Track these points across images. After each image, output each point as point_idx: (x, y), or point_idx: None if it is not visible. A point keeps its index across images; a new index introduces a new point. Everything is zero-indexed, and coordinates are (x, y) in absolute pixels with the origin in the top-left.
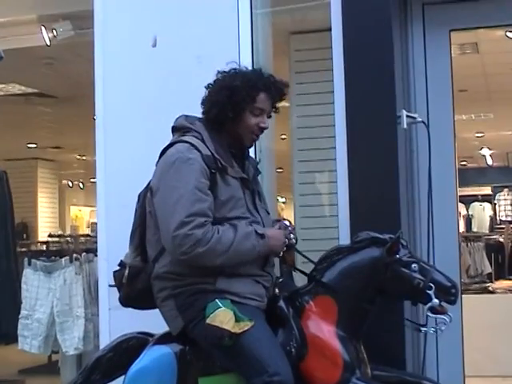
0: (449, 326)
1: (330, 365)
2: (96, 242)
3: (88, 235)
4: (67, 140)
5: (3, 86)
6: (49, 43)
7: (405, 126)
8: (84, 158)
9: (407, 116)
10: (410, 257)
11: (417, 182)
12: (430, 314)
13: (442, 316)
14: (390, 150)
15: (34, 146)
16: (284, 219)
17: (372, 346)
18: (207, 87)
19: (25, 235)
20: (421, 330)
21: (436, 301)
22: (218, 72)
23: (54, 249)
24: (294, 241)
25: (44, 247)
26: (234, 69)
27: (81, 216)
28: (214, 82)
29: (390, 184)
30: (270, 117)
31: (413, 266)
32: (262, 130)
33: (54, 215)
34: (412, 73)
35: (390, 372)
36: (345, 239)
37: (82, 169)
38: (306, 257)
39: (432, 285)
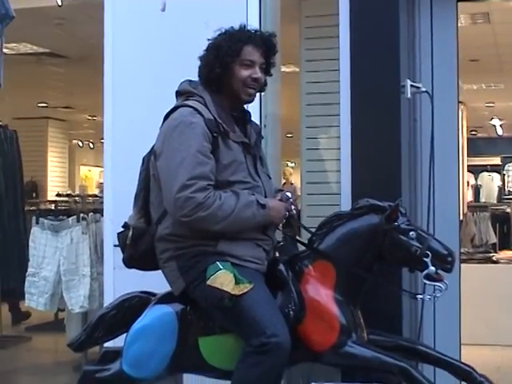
0: (446, 293)
1: (327, 328)
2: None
3: (96, 195)
4: (78, 100)
5: (14, 45)
6: (60, 3)
7: (409, 95)
8: (94, 118)
9: (411, 85)
10: (409, 224)
11: (419, 151)
12: (426, 281)
13: (438, 283)
14: (393, 118)
15: (45, 105)
16: (284, 190)
17: (369, 311)
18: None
19: (34, 194)
20: (417, 298)
21: (432, 268)
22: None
23: (62, 208)
24: (294, 212)
25: (52, 206)
26: (223, 30)
27: (90, 176)
28: (208, 44)
29: (392, 152)
30: (269, 74)
31: (410, 233)
32: (255, 80)
33: (63, 175)
34: (418, 42)
35: (386, 337)
36: (347, 206)
37: (92, 129)
38: (306, 228)
39: (429, 252)
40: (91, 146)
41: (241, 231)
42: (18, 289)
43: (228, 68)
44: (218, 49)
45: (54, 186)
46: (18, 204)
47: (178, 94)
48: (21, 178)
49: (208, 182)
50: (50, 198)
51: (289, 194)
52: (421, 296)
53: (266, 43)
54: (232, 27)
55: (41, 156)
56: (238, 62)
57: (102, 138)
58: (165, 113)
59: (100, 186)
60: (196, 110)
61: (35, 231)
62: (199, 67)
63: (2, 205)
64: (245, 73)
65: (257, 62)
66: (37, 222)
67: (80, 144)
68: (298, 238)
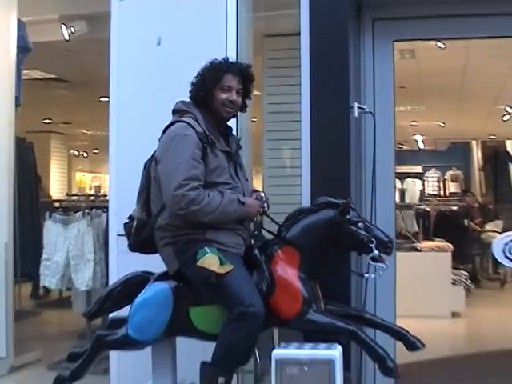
0: (385, 272)
1: (292, 299)
2: (102, 201)
3: (96, 195)
4: (76, 117)
5: (27, 71)
6: (67, 38)
7: (356, 114)
8: (89, 132)
9: (358, 107)
10: (358, 217)
11: (364, 160)
12: (371, 262)
13: (381, 264)
14: (344, 134)
15: (49, 121)
16: (259, 191)
17: (325, 286)
18: None
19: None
20: (363, 276)
21: (376, 252)
22: None
23: (66, 205)
24: (266, 208)
25: (57, 204)
26: (210, 61)
27: (84, 180)
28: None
29: (343, 161)
30: (248, 98)
31: (359, 224)
32: (231, 102)
33: (63, 179)
34: (363, 73)
35: (338, 306)
36: (306, 203)
37: (87, 141)
38: (274, 221)
39: (373, 239)
40: (85, 155)
41: (224, 223)
42: (34, 271)
43: (210, 92)
44: (203, 76)
45: (56, 188)
46: (34, 203)
47: (174, 111)
48: (36, 181)
49: (199, 183)
50: (55, 198)
51: (262, 195)
52: (367, 274)
53: (242, 72)
54: (216, 59)
55: (45, 163)
56: (219, 88)
57: (95, 149)
58: (163, 126)
59: (94, 188)
60: (189, 124)
61: (48, 224)
62: (190, 91)
63: (21, 203)
64: (223, 96)
65: (234, 87)
66: (49, 217)
67: (76, 154)
68: (269, 230)
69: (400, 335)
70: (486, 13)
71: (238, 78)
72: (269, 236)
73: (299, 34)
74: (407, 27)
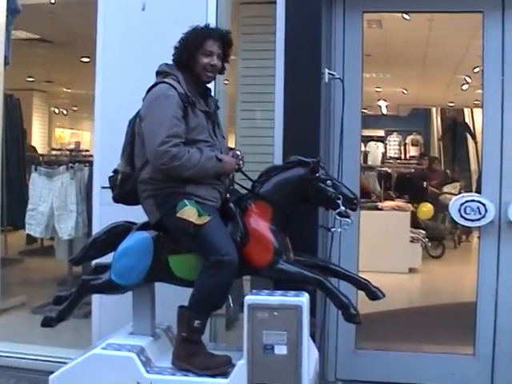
0: (349, 227)
1: (264, 250)
2: (84, 156)
3: (78, 150)
4: (58, 76)
5: (14, 31)
6: (53, 1)
7: (326, 80)
8: (69, 90)
9: (328, 73)
10: (326, 175)
11: (333, 123)
12: (337, 217)
13: (347, 219)
14: (315, 98)
15: (32, 79)
16: (235, 149)
17: (295, 238)
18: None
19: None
20: (330, 230)
21: (343, 208)
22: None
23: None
24: (242, 166)
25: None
26: (192, 26)
27: (63, 136)
28: (180, 38)
29: (314, 123)
30: (226, 62)
31: (327, 182)
32: (212, 66)
33: (43, 135)
34: (334, 41)
35: (306, 258)
36: (278, 162)
37: (67, 99)
38: (248, 177)
39: (340, 196)
40: (65, 112)
41: (203, 178)
42: (19, 220)
43: (192, 56)
44: (186, 41)
45: (37, 143)
46: (21, 156)
47: (158, 73)
48: (23, 136)
49: (180, 140)
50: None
51: (238, 153)
52: (334, 229)
53: (222, 38)
54: (198, 25)
55: (27, 120)
56: (201, 52)
57: (75, 106)
58: (147, 87)
59: (75, 144)
60: (172, 86)
61: (34, 177)
62: (173, 54)
63: (8, 157)
64: (205, 60)
65: (215, 52)
66: (35, 170)
67: (56, 111)
68: (242, 185)
69: (362, 285)
70: None
71: (218, 44)
72: (243, 191)
73: (274, 2)
74: (376, 0)
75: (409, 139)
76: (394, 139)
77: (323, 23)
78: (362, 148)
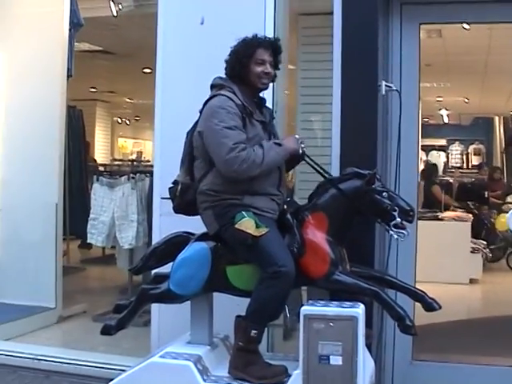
0: (407, 239)
1: (321, 261)
2: (145, 166)
3: (139, 160)
4: (120, 86)
5: (77, 44)
6: (115, 14)
7: (383, 92)
8: (132, 100)
9: (385, 85)
10: (382, 187)
11: (390, 134)
12: (393, 229)
13: (403, 231)
14: (372, 110)
15: (95, 90)
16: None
17: (351, 250)
18: None
19: None
20: (388, 231)
21: (398, 219)
22: None
23: (111, 170)
24: (304, 149)
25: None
26: (241, 38)
27: (126, 146)
28: (230, 51)
29: (371, 134)
30: (277, 69)
31: (383, 193)
32: (266, 74)
33: (106, 145)
34: (391, 53)
35: (362, 269)
36: (335, 173)
37: (129, 109)
38: (314, 162)
39: (396, 208)
40: (127, 122)
41: (261, 187)
42: (81, 230)
43: (245, 66)
44: (237, 53)
45: (100, 153)
46: (83, 167)
47: (212, 86)
48: (84, 146)
49: (245, 145)
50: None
51: (297, 136)
52: (392, 232)
53: (272, 46)
54: (247, 36)
55: (90, 130)
56: (253, 62)
57: (137, 116)
58: (204, 100)
59: (137, 153)
60: (229, 97)
61: (96, 187)
62: (225, 67)
63: (71, 167)
64: (258, 69)
65: (267, 60)
66: (97, 180)
67: (119, 121)
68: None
69: (418, 296)
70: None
71: (269, 51)
72: (301, 202)
73: (332, 13)
74: (433, 11)
75: (471, 148)
76: (455, 148)
77: (380, 35)
78: (424, 157)
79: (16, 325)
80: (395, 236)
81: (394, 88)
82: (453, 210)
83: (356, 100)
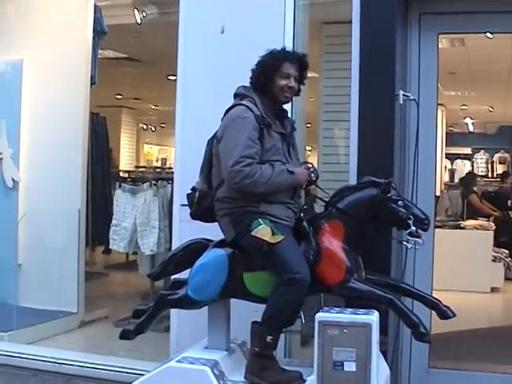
0: (423, 250)
1: (336, 268)
2: (167, 173)
3: (162, 167)
4: (145, 93)
5: (102, 51)
6: (139, 21)
7: (401, 101)
8: (157, 107)
9: (403, 95)
10: (398, 196)
11: (407, 143)
12: (409, 237)
13: (418, 239)
14: (390, 118)
15: (120, 96)
16: (307, 162)
17: (367, 258)
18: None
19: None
20: (402, 243)
21: (413, 228)
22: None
23: (134, 176)
24: (314, 178)
25: (126, 175)
26: (269, 50)
27: (151, 152)
28: (257, 61)
29: (388, 143)
30: (302, 84)
31: (399, 202)
32: (290, 88)
33: (131, 151)
34: (409, 63)
35: (378, 276)
36: (353, 181)
37: (155, 116)
38: (321, 189)
39: (411, 216)
40: (153, 129)
41: (276, 196)
42: (104, 235)
43: (270, 79)
44: (263, 64)
45: (125, 159)
46: (106, 173)
47: (235, 95)
48: (108, 153)
49: (252, 160)
50: (125, 168)
51: (310, 165)
52: (406, 243)
53: (299, 60)
54: (275, 48)
55: (116, 136)
56: (278, 75)
57: (162, 123)
58: (225, 107)
59: (161, 160)
60: (249, 108)
61: (118, 193)
62: (250, 77)
63: (94, 174)
64: (283, 82)
65: (292, 74)
66: (119, 186)
67: (144, 127)
68: (319, 197)
69: (433, 304)
70: None
71: (295, 66)
72: (317, 210)
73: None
74: (451, 21)
75: (496, 157)
76: (481, 157)
77: (398, 45)
78: (449, 166)
79: (38, 329)
80: (409, 246)
81: (412, 97)
82: (475, 219)
83: (374, 109)
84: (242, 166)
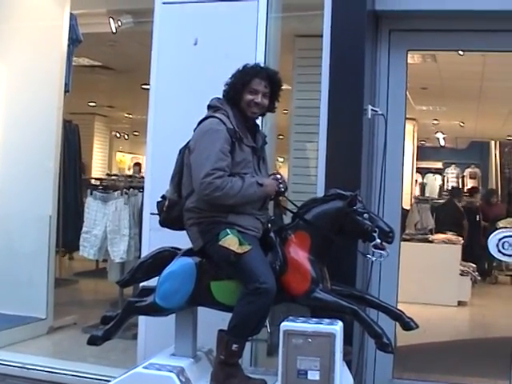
0: (389, 263)
1: (302, 279)
2: (139, 182)
3: (133, 176)
4: (119, 101)
5: (76, 58)
6: (114, 31)
7: (369, 116)
8: (130, 116)
9: (371, 109)
10: (364, 209)
11: (375, 157)
12: (373, 249)
13: (382, 251)
14: (357, 132)
15: (93, 104)
16: (277, 173)
17: (333, 269)
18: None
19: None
20: (366, 256)
21: (378, 240)
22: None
23: (105, 184)
24: (282, 189)
25: (98, 183)
26: (244, 65)
27: (124, 160)
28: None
29: (356, 156)
30: (276, 100)
31: (364, 215)
32: (256, 104)
33: (104, 159)
34: (378, 78)
35: (343, 287)
36: (321, 193)
37: (128, 124)
38: (289, 200)
39: (376, 229)
40: (126, 137)
41: (245, 207)
42: (74, 242)
43: (238, 92)
44: (234, 78)
45: (97, 167)
46: (77, 181)
47: (209, 107)
48: (80, 161)
49: (223, 173)
50: (94, 176)
51: (278, 176)
52: (370, 256)
53: (269, 77)
54: (248, 64)
55: (88, 144)
56: (247, 90)
57: (135, 131)
58: (196, 117)
59: (133, 167)
60: (221, 120)
61: (89, 200)
62: (224, 90)
63: (65, 181)
64: (249, 97)
65: (260, 91)
66: (91, 194)
67: (117, 135)
68: (288, 209)
69: (396, 315)
70: (494, 29)
71: (264, 83)
72: (286, 221)
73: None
74: (421, 39)
75: (467, 172)
76: (452, 171)
77: (367, 60)
78: (420, 180)
79: (6, 334)
80: (373, 259)
81: (380, 112)
82: (443, 233)
83: (342, 122)
84: (213, 178)
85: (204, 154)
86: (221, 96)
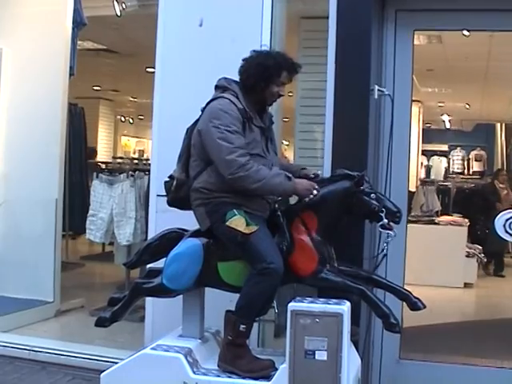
0: (395, 242)
1: (309, 259)
2: (144, 165)
3: (139, 159)
4: (124, 85)
5: (81, 42)
6: (119, 14)
7: (376, 96)
8: (135, 99)
9: (378, 90)
10: (371, 189)
11: (382, 137)
12: (380, 229)
13: (389, 231)
14: (364, 112)
15: (98, 88)
16: (316, 176)
17: (340, 249)
18: (244, 60)
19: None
20: (388, 233)
21: (385, 220)
22: (254, 51)
23: (111, 167)
24: (316, 193)
25: (103, 166)
26: (267, 50)
27: (129, 144)
28: (251, 57)
29: (362, 137)
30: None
31: (371, 195)
32: (279, 96)
33: (109, 143)
34: (384, 59)
35: (350, 268)
36: (327, 174)
37: (133, 108)
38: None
39: (384, 209)
40: (131, 121)
41: (270, 194)
42: (80, 226)
43: (266, 83)
44: (265, 68)
45: (103, 150)
46: (83, 163)
47: (216, 87)
48: (85, 144)
49: (246, 151)
50: (102, 160)
51: (316, 187)
52: (389, 231)
53: (295, 71)
54: (273, 51)
55: (93, 127)
56: (275, 82)
57: (140, 115)
58: (202, 98)
59: (139, 152)
60: (231, 101)
61: (95, 183)
62: (243, 72)
63: (71, 164)
64: (276, 89)
65: (286, 83)
66: (97, 177)
67: (122, 119)
68: None
69: (404, 296)
70: (502, 8)
71: (291, 76)
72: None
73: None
74: (427, 18)
75: (472, 154)
76: (457, 154)
77: (374, 40)
78: (425, 162)
79: (14, 317)
80: (392, 234)
81: (387, 92)
82: (449, 215)
83: (348, 103)
84: (237, 156)
85: (220, 135)
86: (228, 76)
